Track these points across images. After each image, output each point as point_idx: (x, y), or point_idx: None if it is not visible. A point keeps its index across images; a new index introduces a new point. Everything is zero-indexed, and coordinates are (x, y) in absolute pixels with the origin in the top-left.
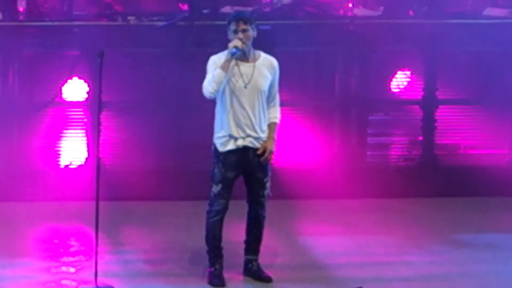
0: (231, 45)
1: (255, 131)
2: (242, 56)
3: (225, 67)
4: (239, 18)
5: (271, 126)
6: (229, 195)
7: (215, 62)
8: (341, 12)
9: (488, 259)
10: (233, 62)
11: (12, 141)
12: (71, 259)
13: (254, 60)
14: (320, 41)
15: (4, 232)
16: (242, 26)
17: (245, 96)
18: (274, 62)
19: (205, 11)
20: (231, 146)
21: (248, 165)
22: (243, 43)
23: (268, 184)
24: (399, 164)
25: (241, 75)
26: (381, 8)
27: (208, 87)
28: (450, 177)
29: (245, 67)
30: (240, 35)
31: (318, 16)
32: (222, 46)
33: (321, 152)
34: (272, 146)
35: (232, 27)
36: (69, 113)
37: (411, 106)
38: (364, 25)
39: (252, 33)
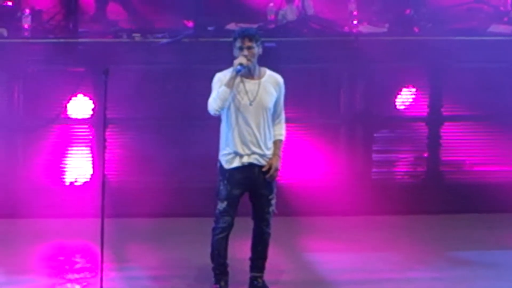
0: (236, 62)
1: (260, 148)
2: (247, 73)
3: (230, 84)
4: (244, 35)
5: (276, 143)
6: (235, 212)
7: (220, 79)
8: (346, 29)
9: (492, 276)
10: (238, 79)
11: (17, 157)
12: (76, 276)
13: (260, 77)
14: (325, 58)
15: (9, 249)
16: (248, 43)
17: (250, 113)
18: (280, 79)
19: (209, 28)
20: (236, 163)
21: (253, 182)
22: (248, 60)
23: (273, 201)
24: (404, 181)
25: (246, 92)
26: (386, 25)
27: (213, 104)
28: (455, 193)
29: (250, 84)
30: (245, 52)
31: (323, 33)
32: (227, 63)
33: (327, 169)
34: (277, 163)
35: (238, 44)
36: (74, 130)
37: (416, 123)
38: (369, 42)
39: (258, 50)
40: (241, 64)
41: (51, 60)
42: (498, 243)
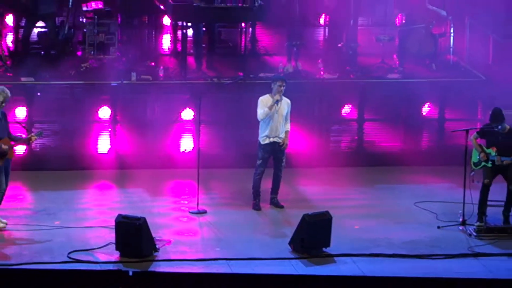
0: (276, 97)
1: (278, 134)
2: (277, 100)
3: (271, 109)
4: (282, 79)
5: (286, 132)
6: (265, 166)
7: (262, 100)
8: (317, 76)
9: (391, 194)
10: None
11: (158, 140)
12: (185, 197)
13: (280, 100)
14: (308, 90)
15: (154, 184)
16: (282, 83)
17: (276, 117)
18: (289, 101)
19: (251, 75)
20: (267, 141)
21: (275, 151)
22: (280, 95)
23: (284, 160)
24: (346, 150)
25: (276, 107)
26: (337, 74)
27: (261, 116)
28: (370, 157)
29: (278, 105)
30: (281, 88)
31: (306, 78)
32: (263, 92)
33: (309, 145)
34: (287, 141)
35: (278, 83)
36: (185, 126)
37: (351, 122)
38: (329, 83)
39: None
40: (277, 100)
41: (173, 93)
42: (390, 180)
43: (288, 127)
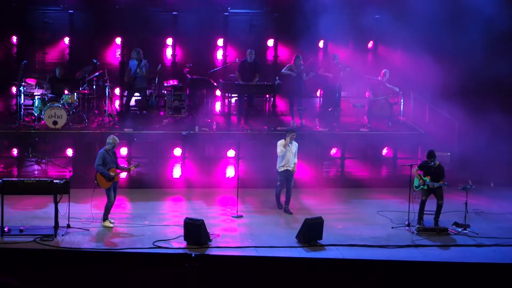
0: (287, 141)
1: (290, 164)
2: (290, 141)
3: (285, 147)
4: (293, 130)
5: (294, 163)
6: (282, 185)
7: (280, 143)
8: (314, 129)
9: (363, 206)
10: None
11: (211, 169)
12: (229, 206)
13: (291, 143)
14: (308, 139)
15: (209, 198)
16: (294, 134)
17: (289, 154)
18: (297, 144)
19: (272, 128)
20: (282, 169)
21: (287, 175)
22: (291, 140)
23: (293, 182)
24: (333, 177)
25: (289, 147)
26: (327, 128)
27: (280, 153)
28: (349, 181)
29: (290, 146)
30: (293, 136)
31: (308, 131)
32: (280, 139)
33: (309, 174)
34: (295, 169)
35: (291, 132)
36: (229, 160)
37: (337, 159)
38: (322, 134)
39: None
40: (288, 143)
41: (223, 138)
42: (361, 197)
43: (295, 160)
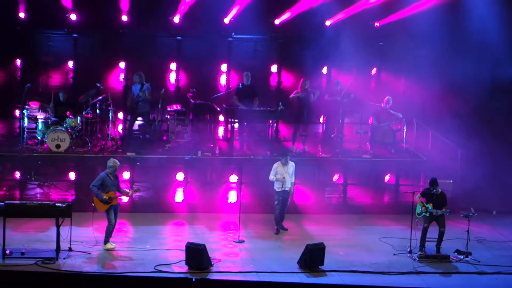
0: (281, 177)
1: (287, 184)
2: (285, 164)
3: (282, 174)
4: (287, 154)
5: (292, 183)
6: (280, 205)
7: (275, 166)
8: (317, 155)
9: (365, 233)
10: (281, 166)
11: (213, 194)
12: (230, 231)
13: (288, 164)
14: (311, 165)
15: (211, 222)
16: (288, 157)
17: (286, 175)
18: (293, 164)
19: (274, 154)
20: (280, 189)
21: (284, 195)
22: (286, 161)
23: (288, 201)
24: (335, 203)
25: (285, 170)
26: (330, 154)
27: (271, 179)
28: (351, 207)
29: (286, 168)
30: (288, 159)
31: (311, 156)
32: (276, 160)
33: (311, 200)
34: (292, 190)
35: (285, 157)
36: (231, 185)
37: (339, 185)
38: (324, 160)
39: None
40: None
41: (225, 163)
42: (363, 223)
43: (293, 180)
